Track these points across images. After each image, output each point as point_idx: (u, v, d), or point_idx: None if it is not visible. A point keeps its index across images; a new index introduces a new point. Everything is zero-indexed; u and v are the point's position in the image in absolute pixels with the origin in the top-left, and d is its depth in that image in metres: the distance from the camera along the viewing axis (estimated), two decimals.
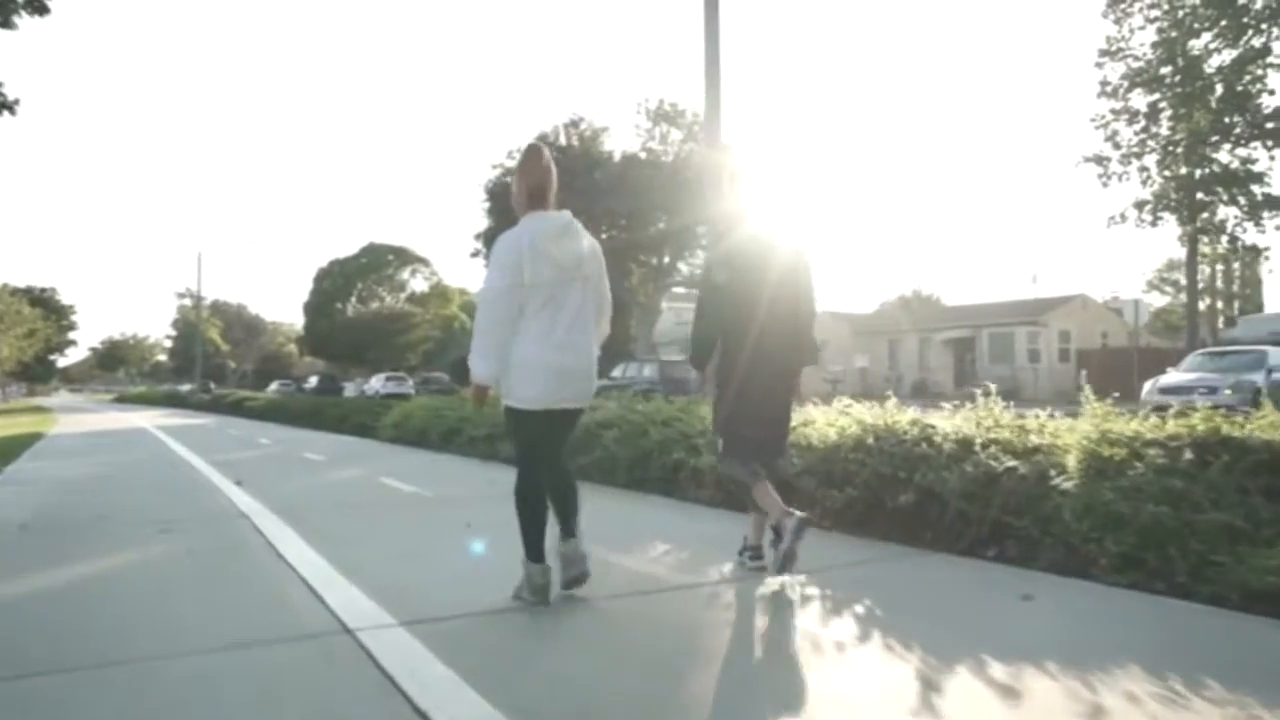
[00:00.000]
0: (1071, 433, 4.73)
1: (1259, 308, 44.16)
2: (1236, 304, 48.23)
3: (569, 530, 3.63)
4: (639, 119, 37.48)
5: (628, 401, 8.86)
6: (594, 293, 3.55)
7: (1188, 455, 4.01)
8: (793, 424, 5.27)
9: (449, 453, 11.33)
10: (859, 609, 3.39)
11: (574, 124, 37.69)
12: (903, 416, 5.46)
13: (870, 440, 5.20)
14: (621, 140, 40.36)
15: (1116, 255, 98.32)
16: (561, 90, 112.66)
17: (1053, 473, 4.25)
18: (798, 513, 3.71)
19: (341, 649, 2.95)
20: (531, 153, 3.58)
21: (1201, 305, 30.92)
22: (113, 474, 9.43)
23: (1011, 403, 5.44)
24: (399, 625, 3.19)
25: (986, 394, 5.49)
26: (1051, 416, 5.10)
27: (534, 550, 3.50)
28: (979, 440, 4.79)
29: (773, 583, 3.84)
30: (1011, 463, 4.45)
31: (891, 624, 3.17)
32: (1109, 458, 4.22)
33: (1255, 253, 25.32)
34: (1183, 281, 52.65)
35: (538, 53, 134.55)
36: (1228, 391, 14.38)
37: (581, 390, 3.50)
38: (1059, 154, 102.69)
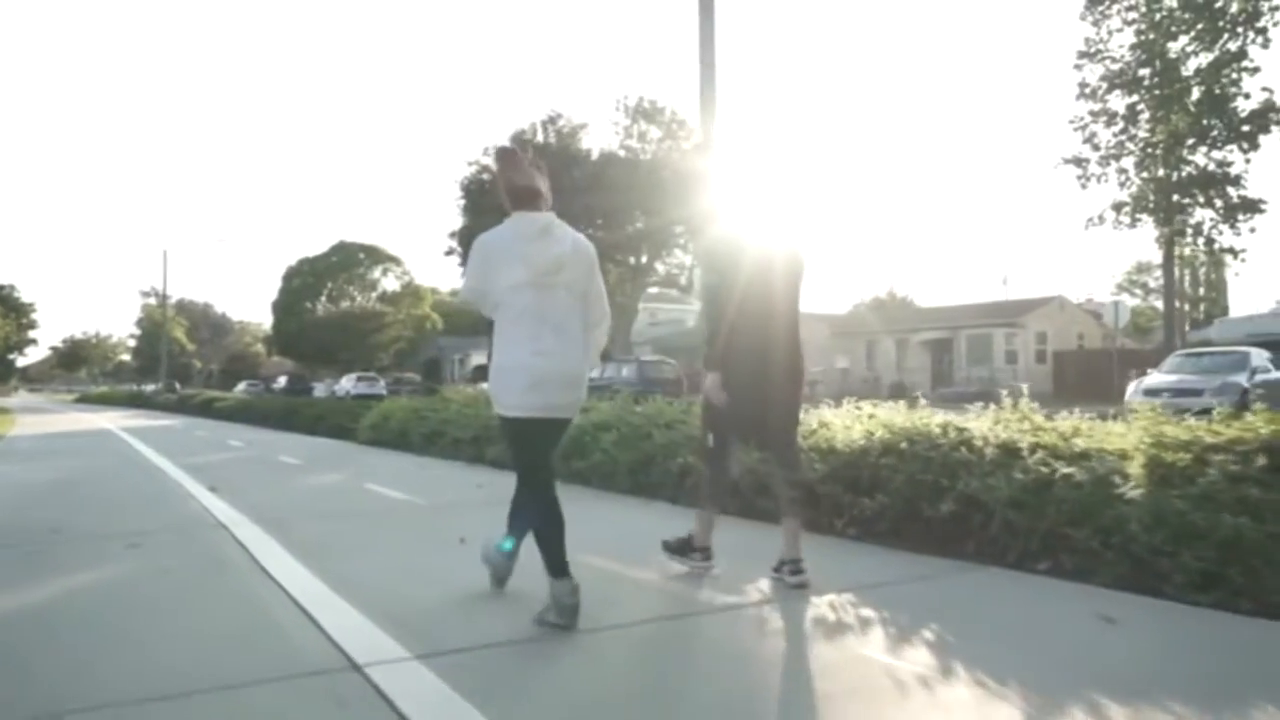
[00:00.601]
0: (1121, 437, 4.44)
1: (1224, 310, 44.82)
2: (1203, 306, 49.01)
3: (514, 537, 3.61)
4: (618, 116, 37.15)
5: (624, 402, 8.50)
6: (581, 298, 3.34)
7: (1261, 461, 3.72)
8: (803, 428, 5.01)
9: (431, 455, 10.88)
10: (928, 634, 3.04)
11: (551, 120, 37.30)
12: (931, 419, 5.17)
13: (903, 445, 4.88)
14: (600, 138, 40.02)
15: (1087, 257, 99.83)
16: (539, 86, 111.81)
17: (1116, 480, 3.93)
18: (712, 564, 4.00)
19: (351, 690, 2.54)
20: (507, 152, 3.41)
21: None
22: (76, 479, 8.85)
23: (1035, 404, 5.16)
24: (414, 659, 2.78)
25: (1016, 395, 5.21)
26: (1082, 418, 4.84)
27: (557, 565, 3.17)
28: (1025, 445, 4.47)
29: (820, 603, 3.49)
30: (1066, 469, 4.13)
31: (971, 652, 2.83)
32: (1172, 464, 3.92)
33: (1233, 254, 25.44)
34: (1152, 284, 53.59)
35: (515, 48, 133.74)
36: (1212, 392, 14.32)
37: (568, 400, 3.30)
38: (1029, 156, 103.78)
